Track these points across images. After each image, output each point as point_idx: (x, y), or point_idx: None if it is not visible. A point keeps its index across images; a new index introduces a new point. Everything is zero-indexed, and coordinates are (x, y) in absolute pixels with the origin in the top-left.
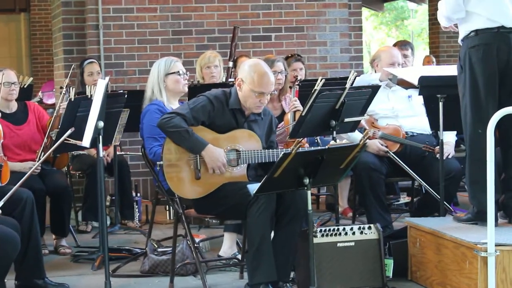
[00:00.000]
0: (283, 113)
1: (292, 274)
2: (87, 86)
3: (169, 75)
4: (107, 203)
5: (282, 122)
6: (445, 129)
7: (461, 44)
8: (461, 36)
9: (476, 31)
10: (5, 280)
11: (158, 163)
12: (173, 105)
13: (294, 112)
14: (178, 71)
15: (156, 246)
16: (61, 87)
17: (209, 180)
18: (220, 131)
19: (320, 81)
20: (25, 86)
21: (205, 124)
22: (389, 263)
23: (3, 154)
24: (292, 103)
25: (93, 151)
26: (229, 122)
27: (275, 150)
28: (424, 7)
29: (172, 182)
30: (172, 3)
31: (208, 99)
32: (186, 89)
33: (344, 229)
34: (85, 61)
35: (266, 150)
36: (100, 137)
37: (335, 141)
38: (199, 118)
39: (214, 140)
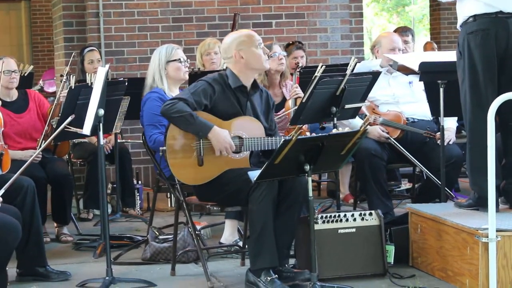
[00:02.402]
0: (284, 100)
1: (293, 261)
2: (87, 74)
3: (170, 63)
4: (108, 191)
5: (283, 109)
6: (446, 115)
7: (459, 30)
8: (460, 21)
9: (474, 16)
10: (7, 268)
11: (161, 148)
12: (174, 92)
13: (295, 98)
14: (179, 59)
15: (158, 234)
16: (62, 75)
17: (211, 166)
18: (223, 115)
19: (321, 67)
20: (25, 74)
21: (208, 108)
22: (390, 249)
23: (3, 143)
24: (293, 90)
25: (93, 139)
26: (231, 103)
27: (277, 137)
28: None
29: (174, 168)
30: None
31: (207, 82)
32: (187, 77)
33: (345, 215)
34: (85, 49)
35: (269, 138)
36: (101, 124)
37: (337, 129)
38: (201, 102)
39: (218, 126)
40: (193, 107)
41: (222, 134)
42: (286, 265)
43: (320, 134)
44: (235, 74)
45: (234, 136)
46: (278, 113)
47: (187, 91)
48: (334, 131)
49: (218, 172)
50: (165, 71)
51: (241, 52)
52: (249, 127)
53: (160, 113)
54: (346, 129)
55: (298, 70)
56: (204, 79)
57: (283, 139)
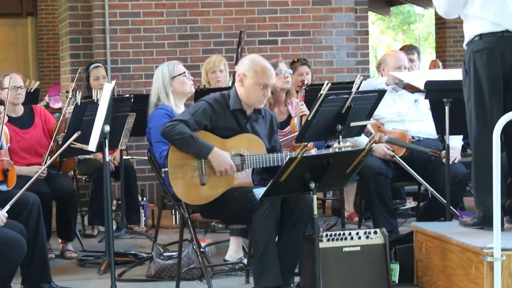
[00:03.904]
0: (290, 117)
1: (297, 279)
2: (93, 90)
3: (175, 78)
4: (113, 208)
5: (289, 126)
6: (451, 134)
7: (466, 49)
8: (466, 40)
9: (480, 35)
10: (12, 284)
11: (163, 169)
12: (180, 108)
13: (301, 116)
14: (184, 72)
15: (162, 251)
16: (68, 91)
17: (214, 185)
18: (223, 134)
19: (326, 85)
20: (31, 90)
21: (208, 128)
22: (395, 268)
23: (9, 158)
24: (298, 107)
25: (99, 155)
26: (231, 124)
27: (279, 154)
28: (431, 12)
29: (177, 189)
30: (178, 7)
31: (207, 103)
32: (193, 89)
33: (350, 233)
34: (91, 65)
35: (271, 154)
36: (106, 141)
37: (339, 143)
38: (202, 122)
39: (218, 145)
40: (193, 128)
41: (222, 155)
42: (292, 285)
43: (325, 152)
44: (238, 96)
45: (235, 154)
46: (284, 131)
47: (187, 112)
48: (336, 145)
49: (221, 192)
50: (172, 88)
51: (245, 78)
52: (250, 145)
53: (161, 135)
54: (348, 143)
55: (303, 88)
56: (204, 99)
57: (288, 157)
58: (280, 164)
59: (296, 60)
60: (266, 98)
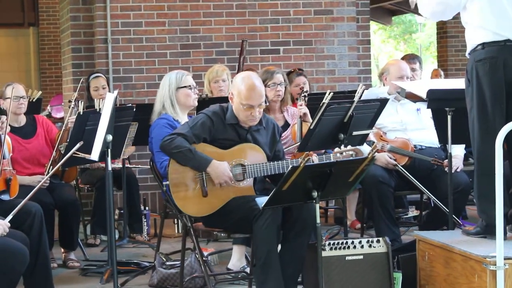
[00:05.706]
0: (286, 123)
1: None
2: (95, 100)
3: (180, 89)
4: (116, 217)
5: (287, 131)
6: (453, 143)
7: (468, 58)
8: (468, 49)
9: (483, 44)
10: None
11: (164, 183)
12: (182, 119)
13: (301, 123)
14: (189, 85)
15: (165, 260)
16: (70, 101)
17: (216, 196)
18: (223, 146)
19: (328, 94)
20: (34, 100)
21: (207, 141)
22: (398, 276)
23: (12, 168)
24: (299, 109)
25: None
26: (231, 136)
27: (280, 162)
28: (432, 21)
29: (179, 201)
30: (180, 17)
31: (206, 115)
32: (196, 103)
33: (352, 242)
34: (91, 75)
35: (271, 162)
36: (109, 150)
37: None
38: (200, 135)
39: (218, 156)
40: (191, 141)
41: (220, 167)
42: None
43: (328, 161)
44: (233, 111)
45: (236, 164)
46: (282, 137)
47: (186, 125)
48: (337, 150)
49: (223, 202)
50: (175, 97)
51: (233, 97)
52: (250, 154)
53: (159, 149)
54: (349, 146)
55: (303, 95)
56: (204, 112)
57: (291, 166)
58: (280, 172)
59: (292, 70)
60: (255, 117)
